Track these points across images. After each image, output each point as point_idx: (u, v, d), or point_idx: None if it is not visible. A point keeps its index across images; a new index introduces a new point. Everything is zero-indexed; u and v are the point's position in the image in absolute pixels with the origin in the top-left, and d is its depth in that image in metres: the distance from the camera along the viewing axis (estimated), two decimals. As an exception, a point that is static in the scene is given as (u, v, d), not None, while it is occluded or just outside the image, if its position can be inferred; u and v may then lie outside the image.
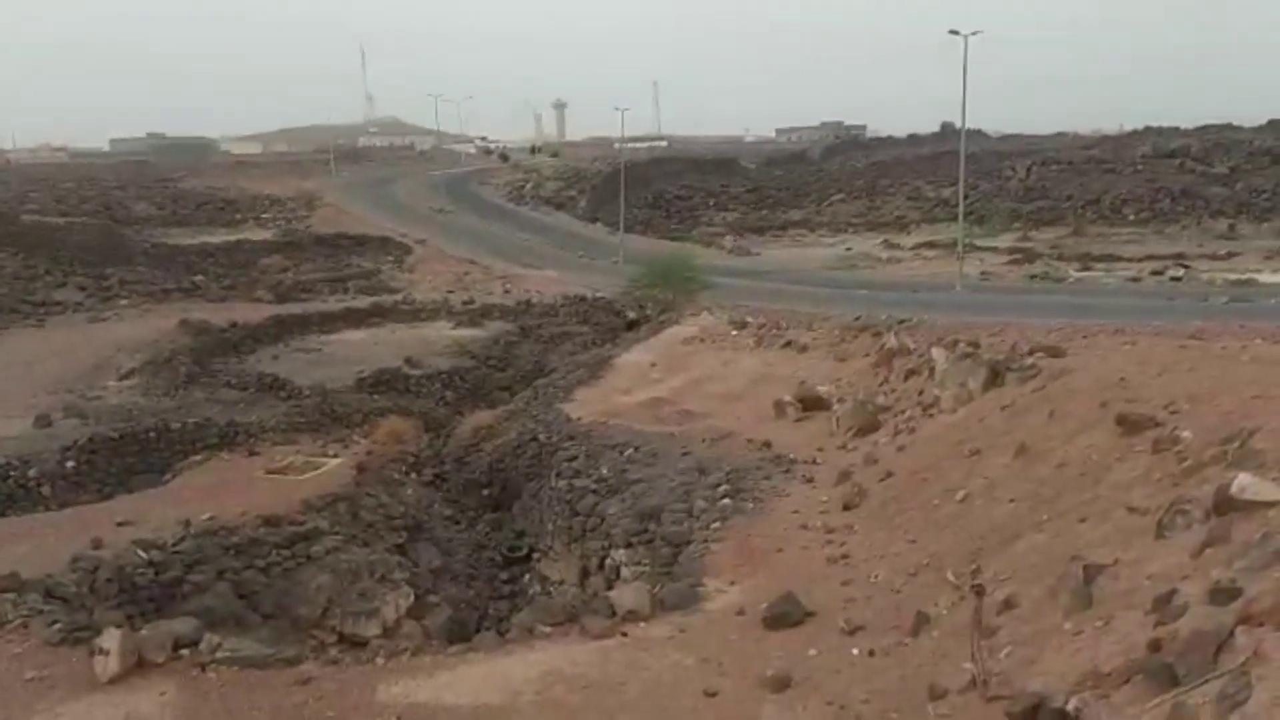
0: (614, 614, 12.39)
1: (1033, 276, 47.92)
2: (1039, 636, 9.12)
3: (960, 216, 48.11)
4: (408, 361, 35.04)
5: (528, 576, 22.14)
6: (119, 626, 12.06)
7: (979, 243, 60.61)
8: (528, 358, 38.59)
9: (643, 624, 12.14)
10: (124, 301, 44.99)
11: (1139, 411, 13.00)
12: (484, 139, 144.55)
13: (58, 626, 12.79)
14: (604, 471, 21.45)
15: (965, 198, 76.39)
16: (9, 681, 11.50)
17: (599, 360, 34.24)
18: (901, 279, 50.63)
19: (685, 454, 21.40)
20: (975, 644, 9.06)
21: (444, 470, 25.05)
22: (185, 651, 11.99)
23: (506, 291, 50.46)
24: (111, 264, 49.61)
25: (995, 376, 18.02)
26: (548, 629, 12.21)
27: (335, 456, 23.09)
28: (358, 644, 16.88)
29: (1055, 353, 19.09)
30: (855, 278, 51.59)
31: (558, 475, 22.43)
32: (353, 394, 31.04)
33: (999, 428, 15.45)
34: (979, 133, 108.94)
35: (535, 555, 22.16)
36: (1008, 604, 10.12)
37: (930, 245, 62.07)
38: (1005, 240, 63.08)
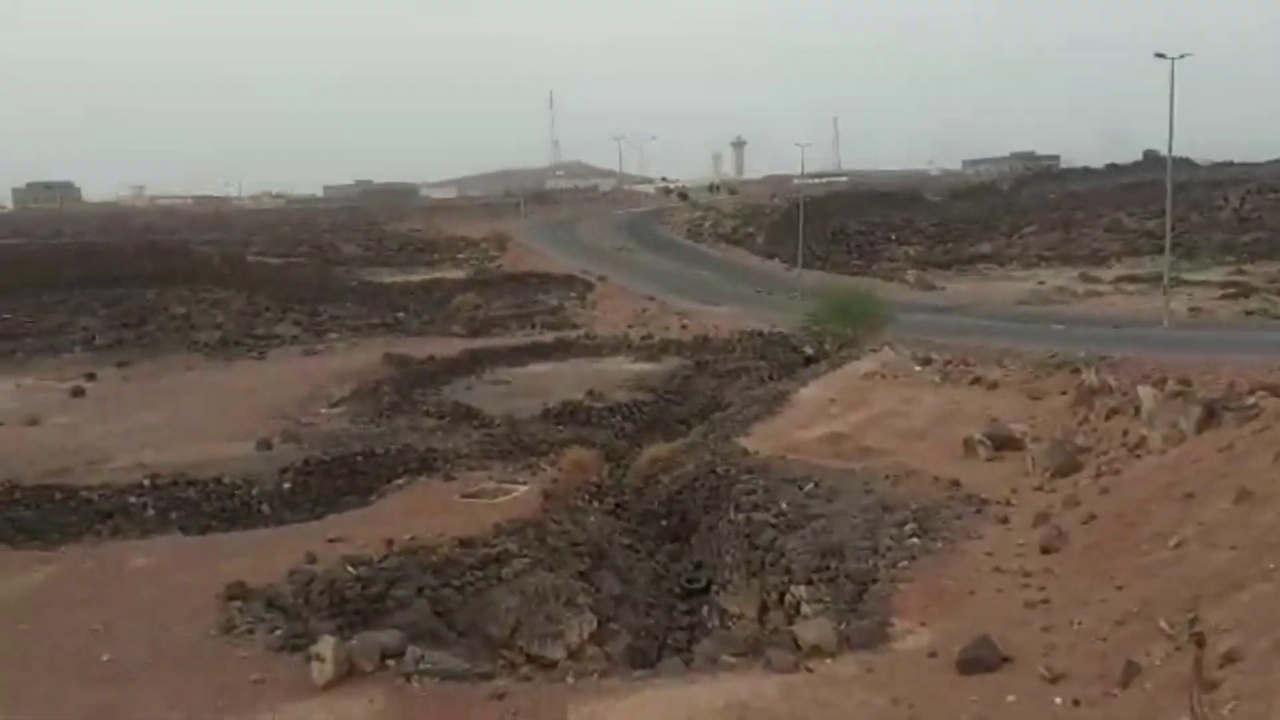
0: (798, 648, 12.28)
1: (1249, 313, 44.15)
2: (1267, 691, 8.42)
3: (1167, 247, 44.96)
4: (589, 394, 36.03)
5: (706, 608, 22.21)
6: (333, 636, 12.93)
7: (1187, 277, 56.54)
8: (704, 392, 38.86)
9: (828, 660, 11.98)
10: (334, 335, 48.40)
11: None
12: (664, 179, 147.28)
13: (279, 634, 13.89)
14: (783, 506, 21.32)
15: (1173, 229, 71.80)
16: (237, 682, 12.57)
17: (776, 395, 34.06)
18: (1100, 314, 47.81)
19: (868, 491, 20.99)
20: (1196, 697, 8.46)
21: (624, 500, 25.54)
22: (391, 662, 12.77)
23: (684, 327, 51.02)
24: (323, 301, 53.54)
25: (1211, 416, 16.80)
26: (732, 659, 12.24)
27: (524, 484, 23.96)
28: (544, 665, 17.47)
29: (1278, 392, 17.60)
30: (1049, 313, 49.10)
31: (736, 508, 22.45)
32: (539, 424, 32.19)
33: (1216, 470, 14.38)
34: (1187, 161, 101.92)
35: (714, 587, 22.20)
36: (1230, 657, 9.40)
37: (1131, 279, 58.33)
38: (1217, 274, 58.53)
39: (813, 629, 12.41)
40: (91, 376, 40.10)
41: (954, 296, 60.51)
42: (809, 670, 11.75)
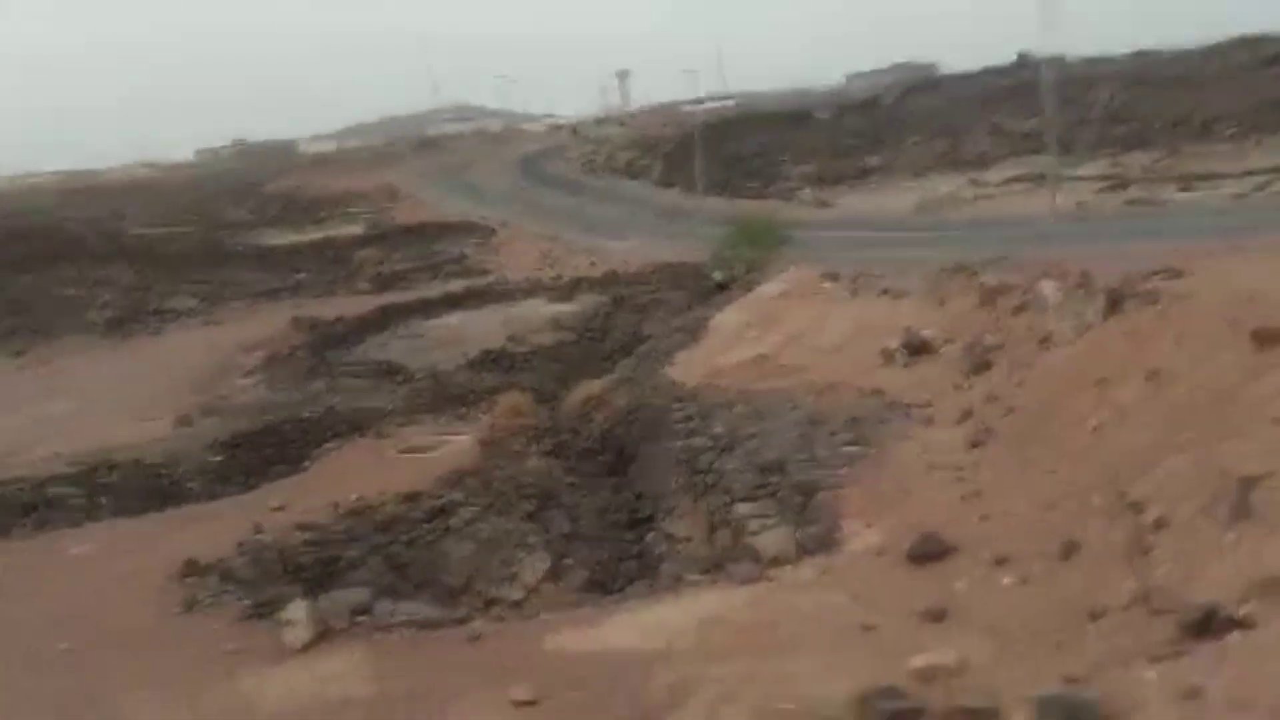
0: (758, 560, 12.87)
1: (1130, 202, 46.45)
2: (1199, 551, 9.28)
3: (1052, 144, 46.71)
4: (510, 339, 36.02)
5: (653, 536, 22.80)
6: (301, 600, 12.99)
7: (1068, 172, 58.90)
8: (624, 327, 39.16)
9: (787, 568, 12.60)
10: (234, 304, 46.97)
11: (1275, 325, 12.84)
12: (551, 116, 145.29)
13: (245, 604, 13.86)
14: (718, 429, 21.93)
15: (1049, 128, 74.40)
16: (212, 654, 12.56)
17: (694, 324, 34.61)
18: (991, 216, 49.66)
19: (794, 408, 21.73)
20: (1136, 560, 9.28)
21: (562, 440, 25.82)
22: (363, 618, 12.91)
23: (593, 264, 51.06)
24: (215, 269, 51.73)
25: (1114, 304, 17.82)
26: (696, 577, 12.75)
27: (461, 434, 24.04)
28: (508, 606, 17.82)
29: (1175, 275, 18.76)
30: (942, 219, 50.79)
31: (673, 436, 22.97)
32: (464, 373, 32.13)
33: (1125, 355, 15.37)
34: (1058, 59, 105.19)
35: (660, 515, 22.77)
36: (1159, 524, 10.26)
37: (1018, 180, 60.53)
38: (1094, 169, 61.19)
39: (772, 540, 13.04)
40: (-17, 368, 38.21)
41: (849, 211, 61.86)
42: (770, 580, 12.35)
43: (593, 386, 30.04)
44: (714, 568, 12.95)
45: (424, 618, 12.80)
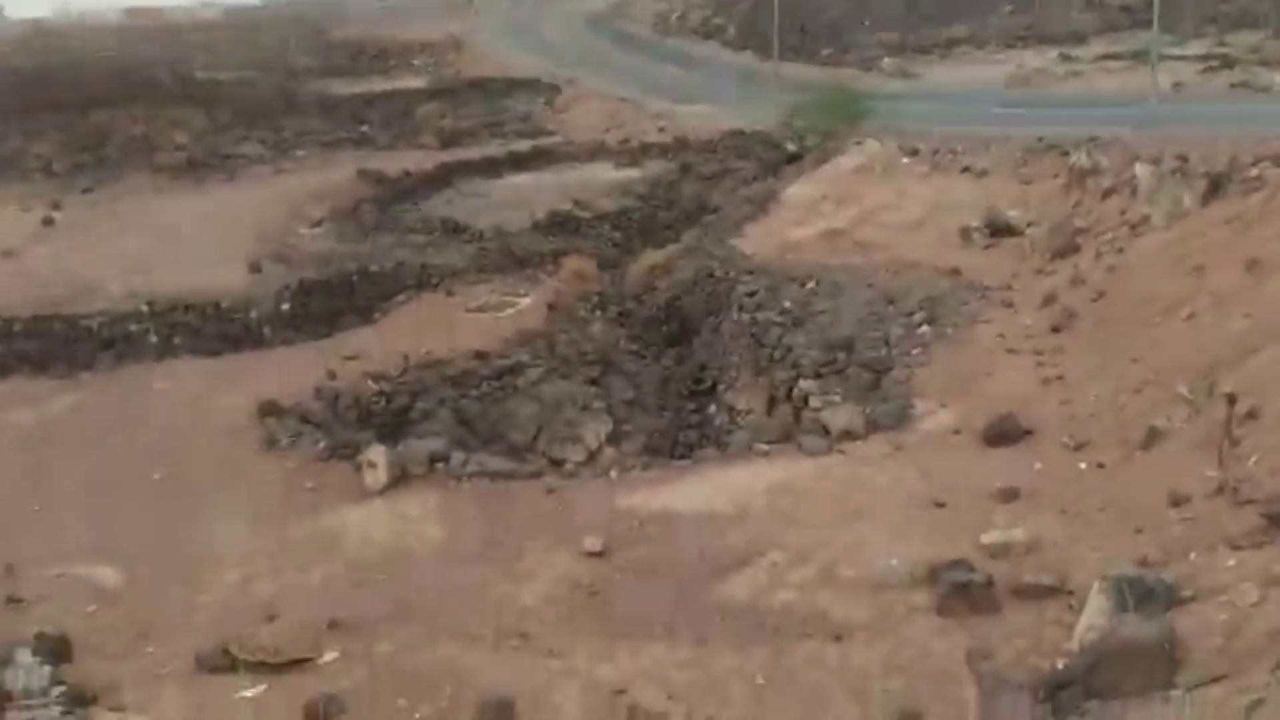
0: (826, 434, 12.87)
1: (1234, 85, 43.69)
2: (1291, 445, 9.06)
3: (1155, 20, 43.79)
4: (576, 204, 35.57)
5: (713, 407, 22.97)
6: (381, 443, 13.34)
7: (1168, 51, 55.45)
8: (690, 196, 38.42)
9: (858, 443, 12.60)
10: (301, 153, 46.83)
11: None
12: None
13: (323, 445, 14.30)
14: (786, 304, 21.72)
15: (1151, 2, 69.71)
16: (292, 491, 13.09)
17: (766, 195, 33.91)
18: (1083, 94, 47.24)
19: (869, 285, 21.39)
20: (1225, 451, 9.09)
21: (626, 308, 25.82)
22: (439, 465, 13.27)
23: (661, 130, 49.75)
24: (284, 117, 51.47)
25: (1215, 189, 17.03)
26: (765, 447, 12.82)
27: (526, 295, 24.12)
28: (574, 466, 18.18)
29: (1281, 163, 17.82)
30: (1031, 95, 48.39)
31: (740, 309, 22.83)
32: (529, 236, 31.94)
33: (1224, 242, 14.78)
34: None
35: (720, 386, 22.86)
36: (1250, 415, 10.02)
37: (1113, 57, 57.09)
38: (1197, 48, 57.44)
39: (841, 414, 12.99)
40: (57, 205, 38.89)
41: (934, 83, 59.07)
42: (841, 453, 12.37)
43: (657, 255, 29.81)
44: (783, 439, 12.95)
45: (496, 469, 13.10)
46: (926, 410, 13.32)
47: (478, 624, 9.44)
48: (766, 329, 20.98)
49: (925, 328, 16.78)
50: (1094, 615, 7.76)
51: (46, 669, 9.31)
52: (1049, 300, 16.60)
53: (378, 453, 12.76)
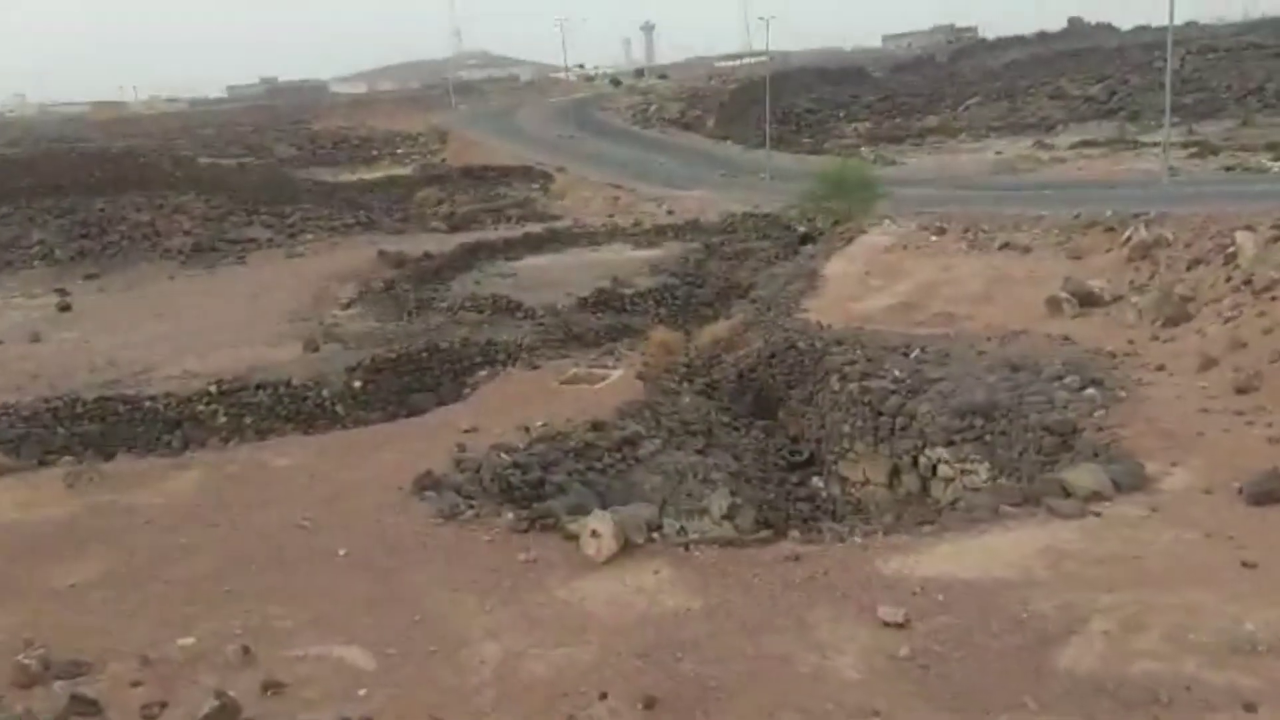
0: (1067, 495, 12.43)
1: (1229, 168, 45.71)
2: None
3: (1167, 108, 45.74)
4: (616, 280, 35.39)
5: (818, 479, 22.46)
6: (602, 511, 12.56)
7: (1141, 139, 58.14)
8: (719, 274, 38.58)
9: (1107, 504, 12.16)
10: (309, 236, 46.23)
11: None
12: (580, 66, 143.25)
13: (510, 518, 13.44)
14: (896, 373, 21.47)
15: (1114, 94, 73.35)
16: (506, 564, 12.12)
17: (808, 272, 34.06)
18: (1077, 179, 48.91)
19: (980, 353, 21.30)
20: None
21: (714, 380, 25.35)
22: (656, 534, 12.50)
23: (669, 213, 50.31)
24: (283, 202, 50.83)
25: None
26: (1011, 509, 12.33)
27: (614, 368, 23.56)
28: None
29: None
30: (1029, 179, 50.01)
31: (841, 379, 22.50)
32: (577, 313, 31.55)
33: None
34: (1108, 27, 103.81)
35: (829, 458, 22.39)
36: None
37: (1089, 144, 59.65)
38: (1160, 136, 60.22)
39: (1086, 475, 12.54)
40: (63, 291, 37.48)
41: (917, 170, 60.90)
42: (1096, 514, 11.91)
43: (721, 328, 29.54)
44: (1027, 501, 12.43)
45: (720, 536, 12.38)
46: (1161, 471, 12.94)
47: (809, 699, 8.67)
48: (884, 398, 20.65)
49: (1092, 390, 16.55)
50: None
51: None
52: (1209, 363, 16.57)
53: (602, 520, 11.96)
